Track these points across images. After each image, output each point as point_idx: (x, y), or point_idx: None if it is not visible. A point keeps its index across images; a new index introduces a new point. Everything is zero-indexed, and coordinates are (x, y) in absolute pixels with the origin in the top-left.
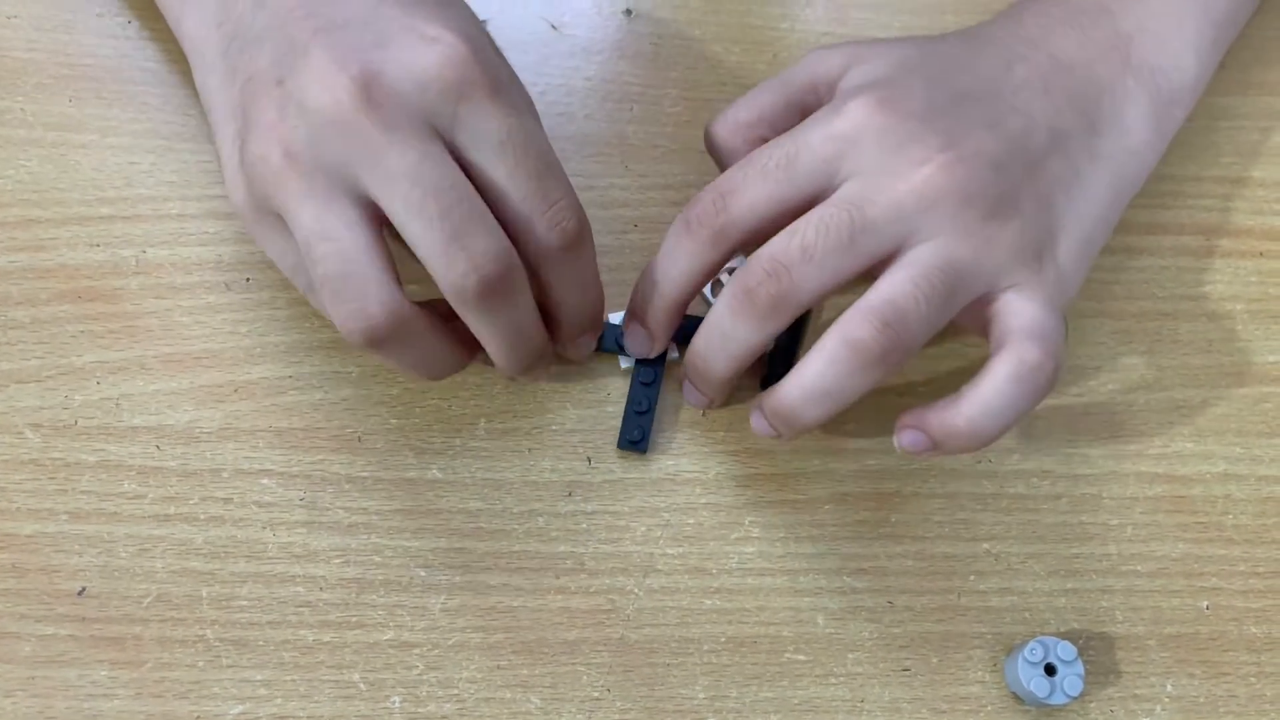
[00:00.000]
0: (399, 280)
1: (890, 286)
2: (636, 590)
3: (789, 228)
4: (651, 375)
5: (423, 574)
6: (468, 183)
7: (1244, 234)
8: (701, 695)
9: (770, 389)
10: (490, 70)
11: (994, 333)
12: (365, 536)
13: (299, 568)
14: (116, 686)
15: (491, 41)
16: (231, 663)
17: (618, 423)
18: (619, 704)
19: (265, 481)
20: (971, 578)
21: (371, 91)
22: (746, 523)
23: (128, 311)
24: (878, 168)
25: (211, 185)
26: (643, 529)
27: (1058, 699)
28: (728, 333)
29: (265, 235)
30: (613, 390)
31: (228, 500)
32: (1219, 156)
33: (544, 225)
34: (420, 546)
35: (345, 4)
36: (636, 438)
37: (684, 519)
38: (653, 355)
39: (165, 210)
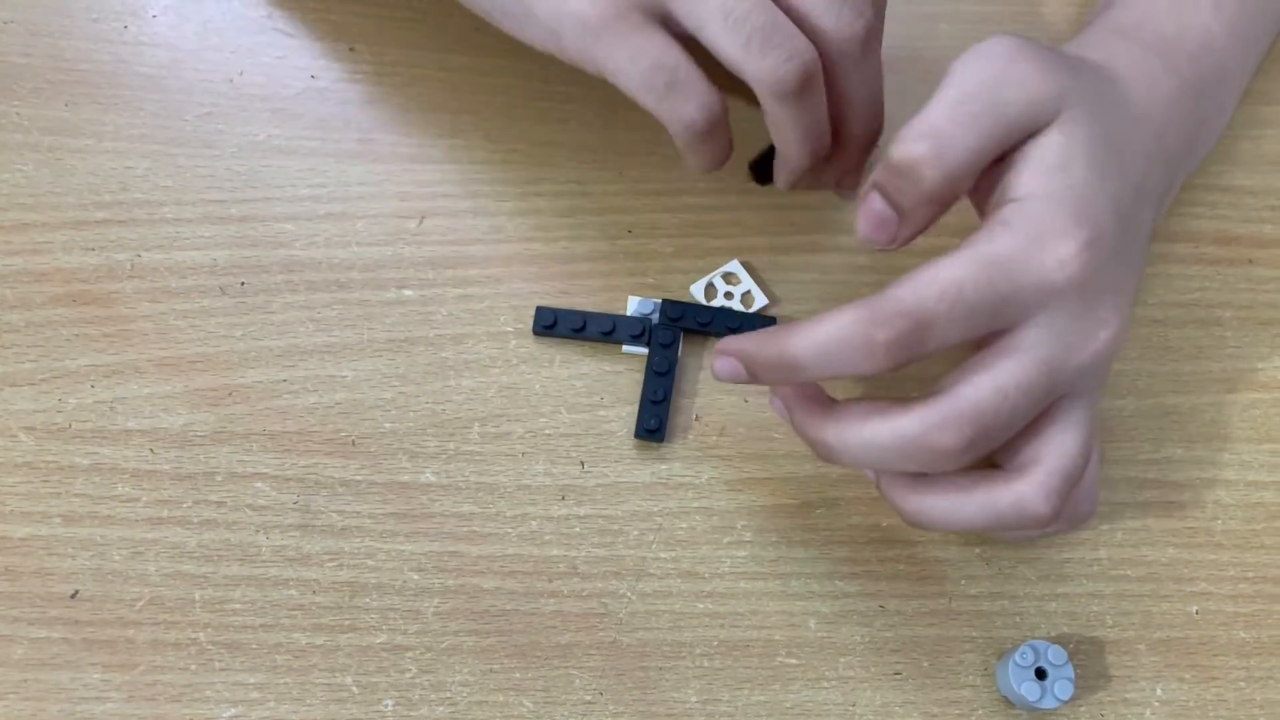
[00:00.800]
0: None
1: (1061, 448)
2: (629, 594)
3: (993, 387)
4: (666, 364)
5: (416, 577)
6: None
7: (1234, 242)
8: (694, 699)
9: (780, 334)
10: None
11: (1024, 448)
12: (359, 540)
13: (292, 571)
14: (109, 689)
15: None
16: (224, 666)
17: (612, 427)
18: (611, 707)
19: (259, 485)
20: (963, 582)
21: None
22: (739, 527)
23: (122, 315)
24: (1072, 326)
25: (206, 190)
26: (635, 533)
27: (1048, 703)
28: (877, 460)
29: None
30: (606, 395)
31: (221, 503)
32: (1209, 164)
33: (836, 28)
34: (414, 550)
35: None
36: (654, 426)
37: (676, 523)
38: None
39: (160, 214)
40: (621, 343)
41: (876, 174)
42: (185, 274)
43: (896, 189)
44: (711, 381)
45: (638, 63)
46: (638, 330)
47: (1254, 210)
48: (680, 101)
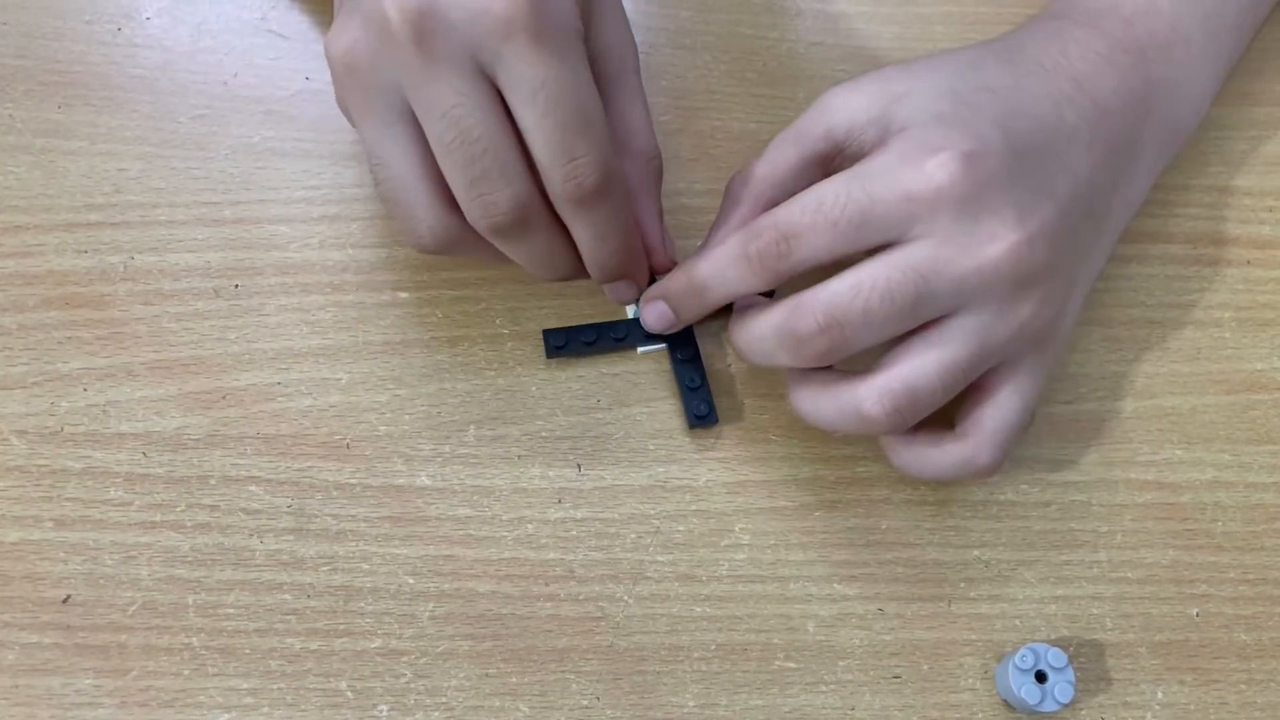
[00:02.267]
0: (447, 194)
1: (914, 368)
2: (626, 598)
3: (852, 282)
4: (690, 351)
5: (411, 581)
6: (500, 127)
7: (1231, 242)
8: (691, 703)
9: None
10: (544, 12)
11: (968, 410)
12: (353, 544)
13: (286, 575)
14: (101, 695)
15: None
16: (218, 671)
17: (608, 429)
18: (609, 712)
19: (253, 488)
20: (962, 585)
21: (424, 20)
22: (736, 530)
23: (115, 318)
24: (950, 237)
25: (200, 192)
26: (632, 536)
27: (1049, 706)
28: (766, 351)
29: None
30: (602, 398)
31: (215, 507)
32: (1206, 166)
33: (559, 178)
34: (409, 554)
35: None
36: (704, 412)
37: (674, 526)
38: (666, 332)
39: (153, 217)
40: (636, 346)
41: (660, 289)
42: (179, 276)
43: (679, 305)
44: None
45: (375, 156)
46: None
47: (1251, 211)
48: (396, 219)
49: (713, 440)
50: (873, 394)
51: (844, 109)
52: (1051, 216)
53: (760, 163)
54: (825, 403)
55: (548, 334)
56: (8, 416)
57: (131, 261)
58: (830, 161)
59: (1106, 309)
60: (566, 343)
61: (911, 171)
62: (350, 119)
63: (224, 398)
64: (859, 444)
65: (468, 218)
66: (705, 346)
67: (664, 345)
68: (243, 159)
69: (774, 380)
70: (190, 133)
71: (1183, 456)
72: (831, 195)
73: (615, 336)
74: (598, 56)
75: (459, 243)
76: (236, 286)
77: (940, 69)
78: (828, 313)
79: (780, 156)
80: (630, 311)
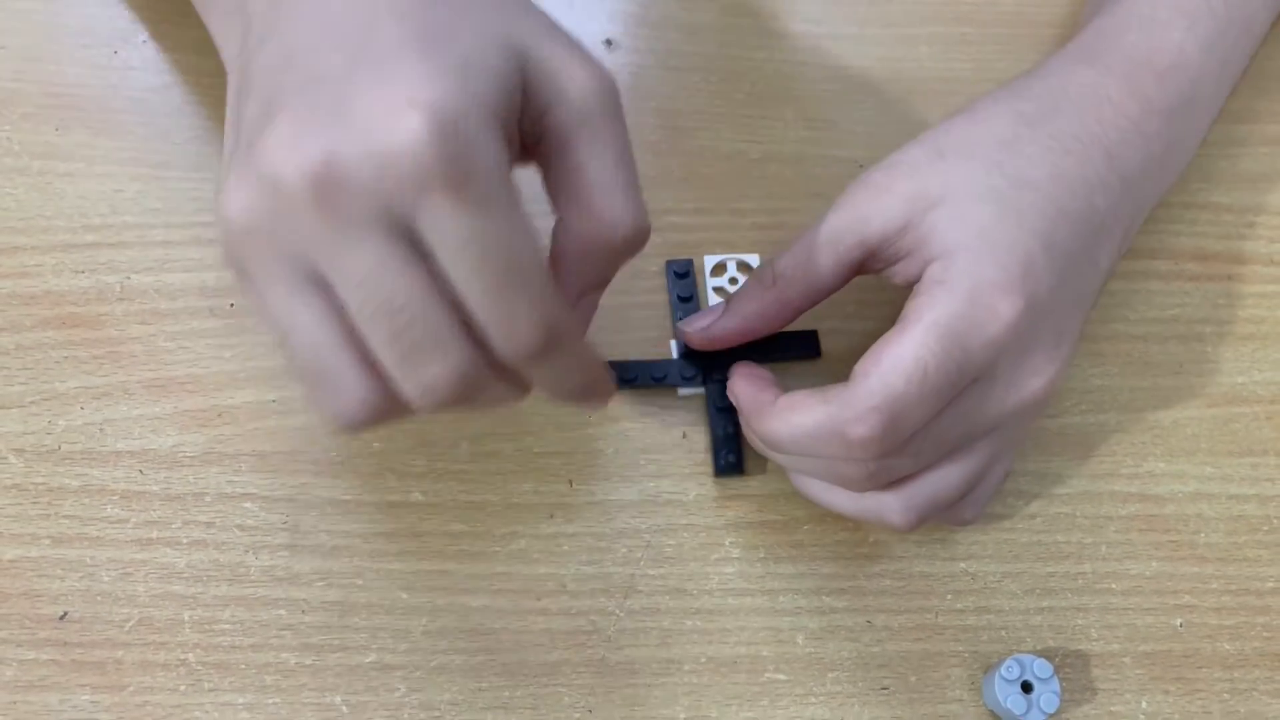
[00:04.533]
0: (371, 363)
1: (940, 482)
2: (618, 611)
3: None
4: (727, 400)
5: (405, 596)
6: (427, 291)
7: (1212, 258)
8: (682, 715)
9: (766, 408)
10: (459, 158)
11: None
12: (347, 559)
13: (281, 591)
14: (98, 711)
15: (499, 94)
16: (213, 686)
17: (599, 445)
18: None
19: (248, 505)
20: (949, 597)
21: (325, 181)
22: (726, 543)
23: (112, 337)
24: (1001, 375)
25: (196, 213)
26: (624, 550)
27: (1034, 716)
28: (804, 469)
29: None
30: (593, 414)
31: (210, 524)
32: (1188, 183)
33: (499, 340)
34: (402, 569)
35: (330, 53)
36: (731, 462)
37: (664, 540)
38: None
39: (150, 237)
40: (676, 386)
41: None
42: (175, 296)
43: (739, 293)
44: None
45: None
46: (690, 373)
47: (1232, 227)
48: (315, 398)
49: (701, 455)
50: (899, 506)
51: (877, 218)
52: (1079, 325)
53: (793, 268)
54: (844, 500)
55: None
56: (5, 435)
57: (128, 281)
58: (863, 265)
59: (1090, 325)
60: None
61: (988, 314)
62: (245, 284)
63: (219, 416)
64: None
65: (404, 395)
66: None
67: (703, 389)
68: None
69: None
70: (186, 154)
71: (1166, 469)
72: (931, 359)
73: (655, 375)
74: (548, 109)
75: (396, 413)
76: (231, 306)
77: (974, 154)
78: (888, 427)
79: (815, 266)
80: (673, 350)
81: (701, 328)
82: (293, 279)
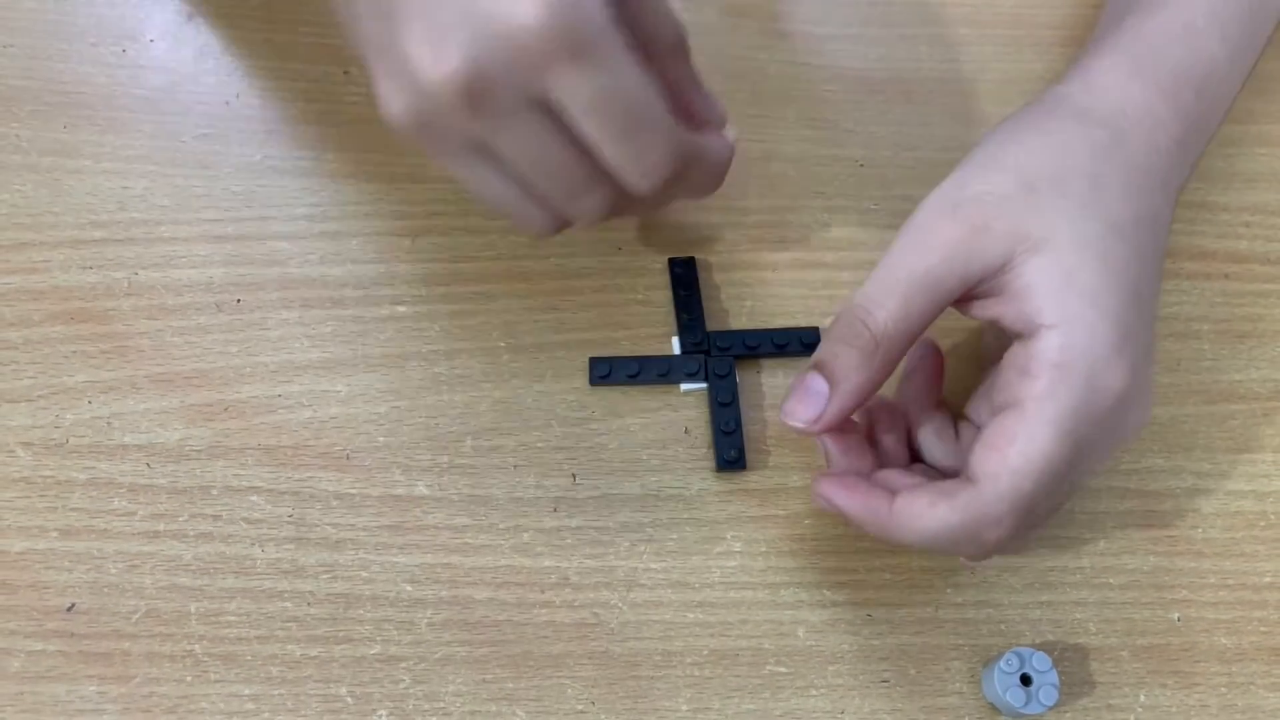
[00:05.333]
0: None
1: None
2: (620, 604)
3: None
4: (729, 395)
5: (410, 589)
6: (571, 149)
7: (1209, 257)
8: (685, 708)
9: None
10: (575, 28)
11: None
12: (353, 552)
13: (287, 583)
14: (105, 702)
15: None
16: (219, 678)
17: (602, 439)
18: (603, 717)
19: (254, 498)
20: (949, 591)
21: (473, 86)
22: (728, 537)
23: (119, 332)
24: (1111, 437)
25: (203, 210)
26: (626, 544)
27: (1034, 709)
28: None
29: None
30: (597, 409)
31: (217, 517)
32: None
33: (635, 180)
34: (407, 562)
35: None
36: (733, 457)
37: (667, 534)
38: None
39: (157, 233)
40: (679, 383)
41: (816, 355)
42: (182, 291)
43: (831, 356)
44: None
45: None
46: (693, 369)
47: (1229, 226)
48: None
49: (703, 450)
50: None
51: (978, 260)
52: (1154, 358)
53: (894, 323)
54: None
55: (593, 362)
56: (14, 429)
57: (135, 277)
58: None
59: None
60: (610, 373)
61: (1105, 397)
62: (428, 153)
63: (226, 410)
64: None
65: (573, 218)
66: (743, 391)
67: (705, 385)
68: (245, 177)
69: (769, 390)
70: (193, 151)
71: (1163, 465)
72: (1059, 454)
73: (659, 372)
74: None
75: (573, 224)
76: (238, 301)
77: (1066, 192)
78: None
79: (916, 315)
80: (675, 347)
81: (812, 419)
82: (465, 154)
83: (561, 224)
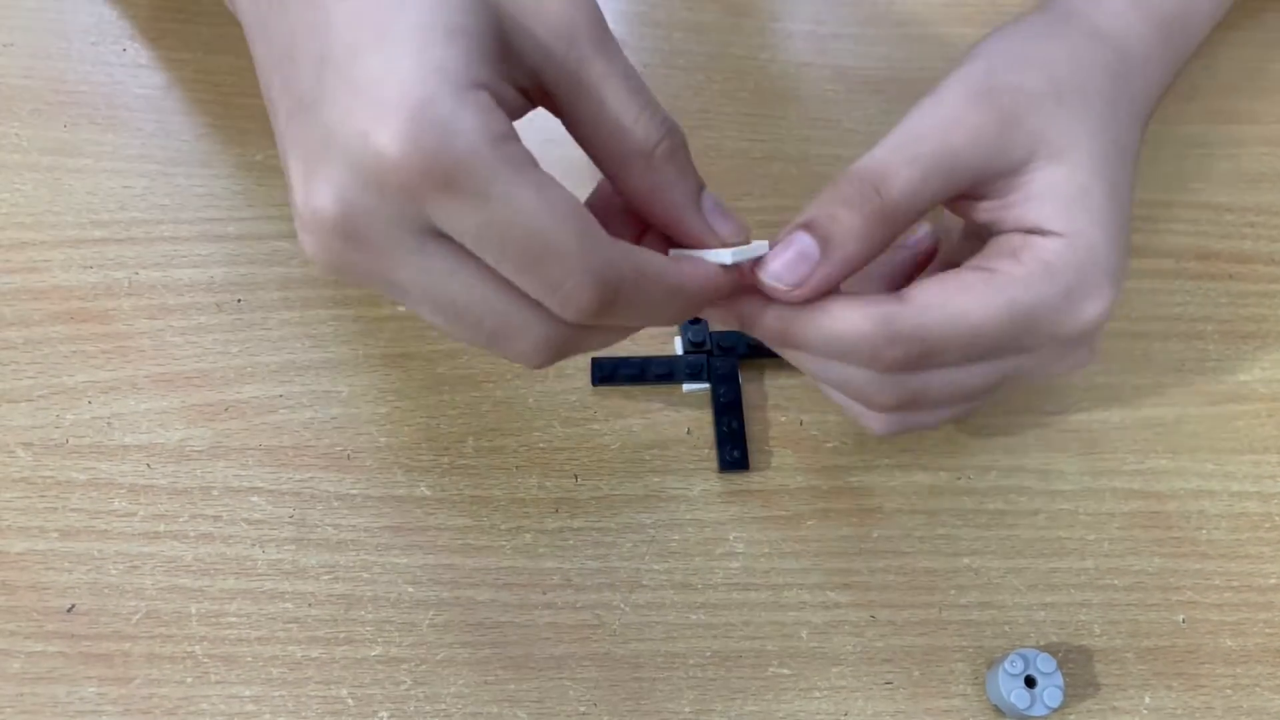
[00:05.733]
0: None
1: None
2: (623, 605)
3: (952, 385)
4: (732, 394)
5: (411, 590)
6: (483, 284)
7: (1213, 257)
8: (687, 709)
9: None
10: (439, 155)
11: None
12: (354, 553)
13: (288, 584)
14: (105, 703)
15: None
16: (220, 679)
17: (604, 440)
18: (606, 718)
19: (255, 499)
20: (952, 592)
21: (347, 226)
22: (731, 538)
23: (120, 332)
24: (1055, 350)
25: (203, 209)
26: (629, 545)
27: (1038, 710)
28: (836, 381)
29: None
30: (598, 410)
31: (217, 518)
32: (1188, 182)
33: (559, 310)
34: (409, 563)
35: (301, 65)
36: (736, 458)
37: (669, 535)
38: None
39: (158, 233)
40: (681, 384)
41: (807, 213)
42: (182, 291)
43: (829, 219)
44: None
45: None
46: (695, 369)
47: (1232, 226)
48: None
49: (706, 451)
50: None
51: (1005, 152)
52: (1127, 251)
53: (909, 195)
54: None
55: (595, 362)
56: (14, 429)
57: (136, 277)
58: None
59: None
60: (613, 373)
61: (1073, 318)
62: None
63: (226, 410)
64: (852, 454)
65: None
66: (746, 392)
67: (707, 385)
68: (245, 176)
69: (773, 391)
70: (194, 151)
71: (1168, 466)
72: (995, 330)
73: (659, 372)
74: (541, 42)
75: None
76: (239, 301)
77: (1090, 108)
78: (911, 400)
79: (928, 191)
80: (678, 347)
81: (799, 280)
82: (374, 286)
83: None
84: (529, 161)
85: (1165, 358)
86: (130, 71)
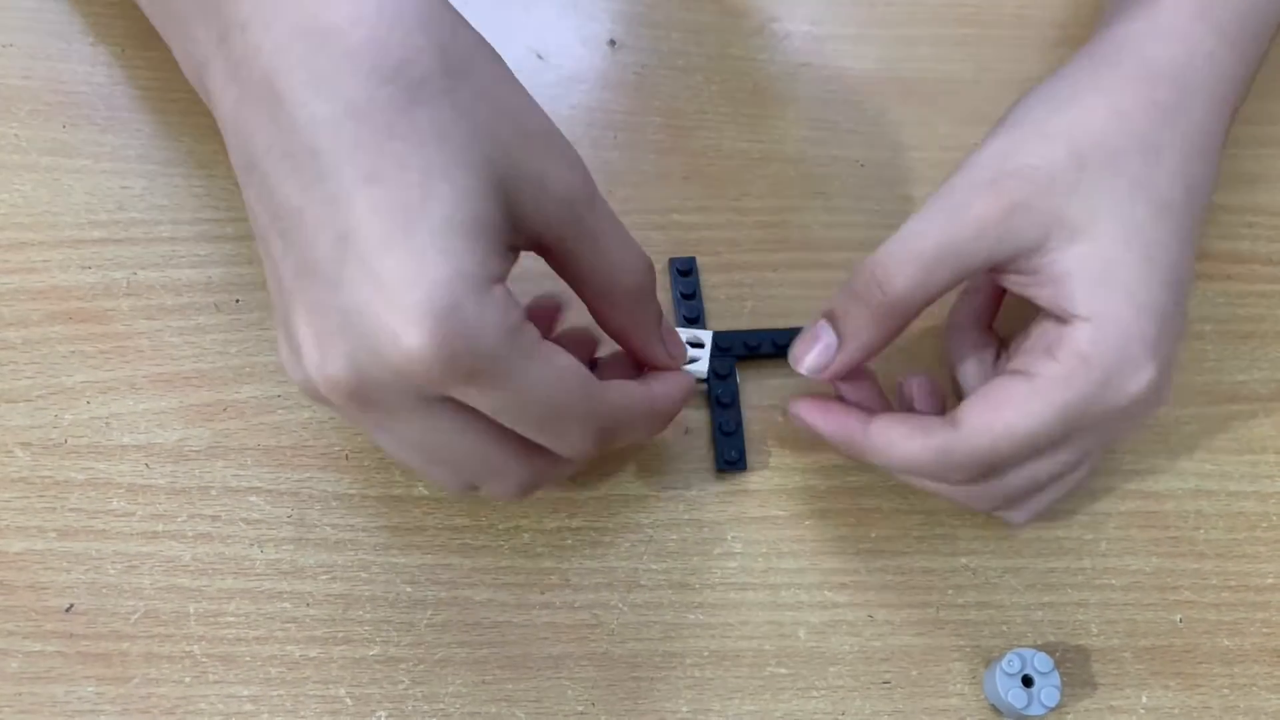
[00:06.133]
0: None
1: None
2: (620, 605)
3: (1031, 479)
4: (730, 396)
5: (409, 590)
6: (475, 439)
7: (1212, 258)
8: (685, 709)
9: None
10: (465, 353)
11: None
12: (352, 553)
13: (286, 584)
14: (103, 703)
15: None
16: (218, 678)
17: None
18: (603, 718)
19: (253, 499)
20: (950, 592)
21: (358, 392)
22: (728, 538)
23: (118, 332)
24: (1118, 431)
25: (202, 209)
26: (626, 544)
27: (1035, 710)
28: (927, 485)
29: None
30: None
31: (216, 517)
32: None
33: (563, 452)
34: (407, 563)
35: (314, 233)
36: (734, 458)
37: (667, 534)
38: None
39: (156, 233)
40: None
41: (828, 303)
42: (181, 291)
43: (843, 312)
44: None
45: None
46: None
47: (1230, 227)
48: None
49: (703, 450)
50: (1020, 517)
51: (1011, 239)
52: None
53: (912, 289)
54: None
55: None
56: (12, 429)
57: (134, 277)
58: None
59: None
60: None
61: (1119, 395)
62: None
63: (225, 410)
64: None
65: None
66: (744, 392)
67: (704, 386)
68: None
69: (770, 391)
70: (193, 151)
71: (1165, 466)
72: (1045, 434)
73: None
74: (546, 211)
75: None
76: (237, 301)
77: (1118, 168)
78: (1005, 498)
79: (934, 283)
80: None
81: (819, 367)
82: (365, 430)
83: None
84: (538, 339)
85: None
86: (129, 72)
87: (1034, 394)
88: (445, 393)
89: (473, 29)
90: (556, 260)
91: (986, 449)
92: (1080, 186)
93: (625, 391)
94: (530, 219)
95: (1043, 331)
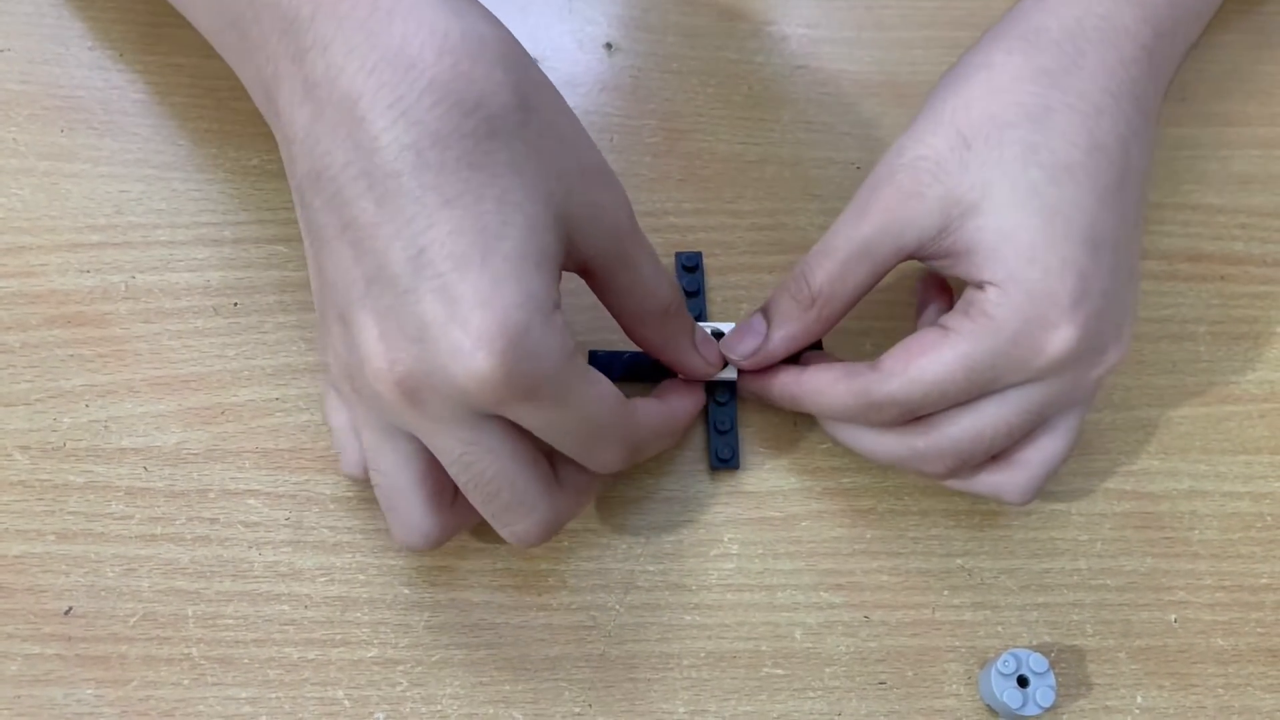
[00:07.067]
0: (441, 501)
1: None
2: (617, 606)
3: (974, 430)
4: (726, 395)
5: (406, 592)
6: (513, 462)
7: (1205, 259)
8: (682, 710)
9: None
10: (528, 375)
11: (1016, 450)
12: (350, 555)
13: (284, 586)
14: (102, 705)
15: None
16: (217, 681)
17: None
18: (600, 719)
19: (251, 501)
20: (945, 593)
21: (415, 394)
22: (725, 540)
23: (117, 336)
24: (1064, 381)
25: (200, 213)
26: (623, 546)
27: (1031, 710)
28: (882, 457)
29: None
30: None
31: (214, 520)
32: (1180, 185)
33: (595, 467)
34: (404, 564)
35: (388, 244)
36: (727, 456)
37: (664, 536)
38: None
39: (154, 237)
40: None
41: (769, 297)
42: (179, 295)
43: (774, 303)
44: None
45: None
46: None
47: (1224, 228)
48: (389, 519)
49: (699, 452)
50: (1016, 491)
51: (911, 228)
52: (1135, 300)
53: (831, 284)
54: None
55: (593, 355)
56: (11, 432)
57: (133, 281)
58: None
59: None
60: (609, 369)
61: (1032, 355)
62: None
63: (223, 413)
64: (845, 456)
65: (501, 535)
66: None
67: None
68: (242, 180)
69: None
70: (191, 156)
71: (1160, 467)
72: (953, 384)
73: (657, 369)
74: (596, 241)
75: (450, 536)
76: (235, 305)
77: (1004, 140)
78: (956, 457)
79: (852, 279)
80: None
81: (749, 353)
82: (387, 428)
83: (445, 530)
84: (585, 365)
85: (1157, 359)
86: (127, 76)
87: (944, 343)
88: (498, 411)
89: (539, 67)
90: (598, 283)
91: (900, 391)
92: (970, 165)
93: (649, 411)
94: (582, 247)
95: (965, 296)
